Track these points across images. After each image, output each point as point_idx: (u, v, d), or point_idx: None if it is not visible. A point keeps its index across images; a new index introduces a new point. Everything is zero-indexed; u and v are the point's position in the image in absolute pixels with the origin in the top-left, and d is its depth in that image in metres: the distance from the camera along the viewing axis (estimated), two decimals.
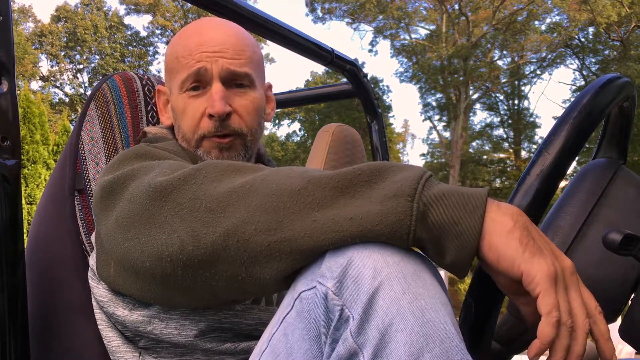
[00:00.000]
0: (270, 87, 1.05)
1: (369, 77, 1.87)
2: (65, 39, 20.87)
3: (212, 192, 0.64)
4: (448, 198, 0.56)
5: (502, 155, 20.85)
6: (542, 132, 20.21)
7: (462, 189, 0.58)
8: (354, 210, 0.57)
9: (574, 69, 19.72)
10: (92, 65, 21.23)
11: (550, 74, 26.08)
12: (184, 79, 0.91)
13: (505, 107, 20.87)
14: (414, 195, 0.56)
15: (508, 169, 20.44)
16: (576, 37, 18.60)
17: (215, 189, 0.64)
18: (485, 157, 20.86)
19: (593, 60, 18.87)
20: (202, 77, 0.91)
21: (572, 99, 0.68)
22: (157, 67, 22.24)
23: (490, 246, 0.55)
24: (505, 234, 0.55)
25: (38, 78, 20.51)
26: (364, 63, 20.67)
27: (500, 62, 20.41)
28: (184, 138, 0.94)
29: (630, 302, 0.72)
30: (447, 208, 0.56)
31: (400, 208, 0.55)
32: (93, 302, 0.89)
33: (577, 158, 0.67)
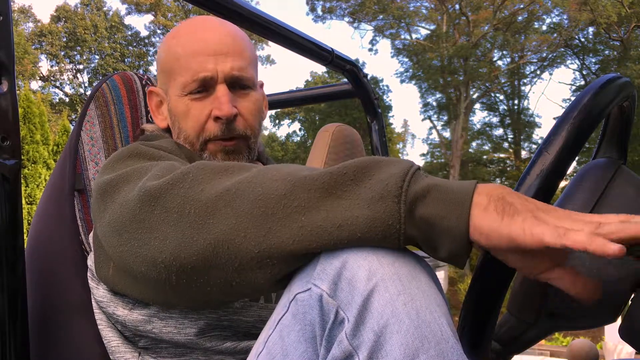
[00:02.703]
0: (262, 85, 1.05)
1: (369, 77, 1.87)
2: (65, 39, 20.87)
3: (200, 196, 0.63)
4: (434, 193, 0.55)
5: (502, 155, 20.86)
6: (542, 132, 20.23)
7: (449, 182, 0.57)
8: (341, 214, 0.56)
9: (574, 69, 19.75)
10: (92, 65, 21.24)
11: (551, 74, 26.10)
12: (187, 82, 0.90)
13: (505, 107, 20.89)
14: (400, 195, 0.55)
15: (508, 169, 20.44)
16: (576, 37, 18.60)
17: (202, 192, 0.64)
18: (485, 157, 20.87)
19: (593, 60, 18.88)
20: (207, 81, 0.90)
21: (572, 99, 0.67)
22: None
23: (475, 229, 0.54)
24: (482, 212, 0.54)
25: (38, 78, 20.51)
26: (364, 63, 20.68)
27: (500, 62, 20.43)
28: (187, 141, 0.92)
29: (630, 302, 0.72)
30: (434, 203, 0.55)
31: (388, 211, 0.55)
32: (93, 302, 0.89)
33: (577, 158, 0.67)
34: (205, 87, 0.90)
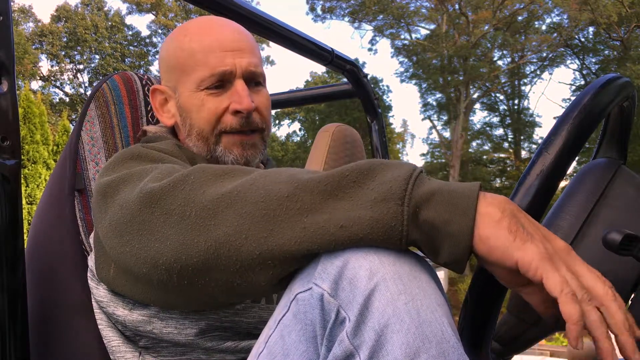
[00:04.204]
0: None
1: (369, 77, 1.87)
2: (65, 39, 20.87)
3: (201, 198, 0.64)
4: (439, 197, 0.55)
5: (502, 155, 20.87)
6: (542, 132, 20.23)
7: (453, 186, 0.57)
8: (344, 215, 0.56)
9: (574, 69, 19.75)
10: (93, 65, 21.24)
11: (551, 74, 26.12)
12: (205, 77, 0.91)
13: (505, 107, 20.90)
14: (403, 197, 0.55)
15: (508, 169, 20.45)
16: (576, 37, 18.61)
17: (204, 195, 0.64)
18: (485, 157, 20.88)
19: (593, 60, 18.89)
20: (226, 76, 0.91)
21: (572, 99, 0.67)
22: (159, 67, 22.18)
23: (481, 239, 0.55)
24: (493, 224, 0.54)
25: (38, 78, 20.50)
26: (364, 63, 20.68)
27: (500, 62, 20.44)
28: (200, 135, 0.92)
29: (630, 302, 0.72)
30: (438, 208, 0.55)
31: (391, 213, 0.55)
32: (93, 302, 0.89)
33: (577, 158, 0.67)
34: (222, 82, 0.91)
